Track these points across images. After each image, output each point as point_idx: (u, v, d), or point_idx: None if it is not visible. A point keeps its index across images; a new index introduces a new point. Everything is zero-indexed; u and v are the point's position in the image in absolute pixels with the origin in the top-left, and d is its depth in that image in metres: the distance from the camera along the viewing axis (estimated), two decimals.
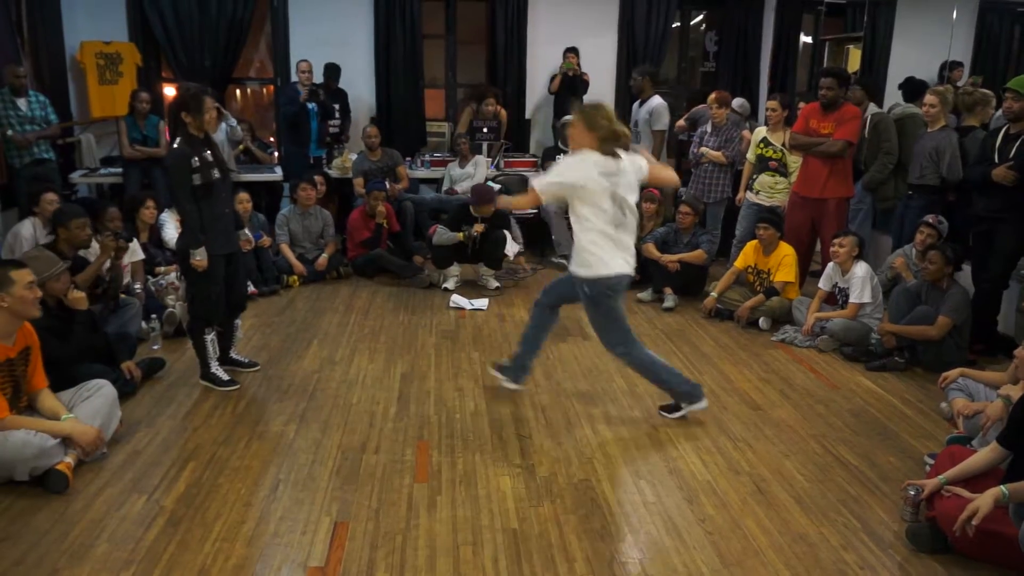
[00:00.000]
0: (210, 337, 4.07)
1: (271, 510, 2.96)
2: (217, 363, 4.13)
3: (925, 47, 7.94)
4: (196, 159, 3.78)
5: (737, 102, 6.79)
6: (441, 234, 5.91)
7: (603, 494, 3.14)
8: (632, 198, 3.60)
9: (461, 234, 5.88)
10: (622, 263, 3.59)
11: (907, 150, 5.69)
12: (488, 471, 3.29)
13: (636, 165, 3.63)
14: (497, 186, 6.76)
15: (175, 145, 3.82)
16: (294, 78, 7.07)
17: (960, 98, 5.53)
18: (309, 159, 7.12)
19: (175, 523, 2.86)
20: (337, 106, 7.19)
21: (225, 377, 4.11)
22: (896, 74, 7.84)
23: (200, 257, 3.83)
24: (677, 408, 3.85)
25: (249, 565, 2.64)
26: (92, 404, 3.35)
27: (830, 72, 5.32)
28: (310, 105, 6.93)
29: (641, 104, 6.85)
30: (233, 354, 4.34)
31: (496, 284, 6.05)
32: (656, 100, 6.78)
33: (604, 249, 3.55)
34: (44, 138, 5.99)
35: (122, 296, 4.56)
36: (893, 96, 7.51)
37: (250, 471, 3.25)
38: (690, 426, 3.78)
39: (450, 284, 6.03)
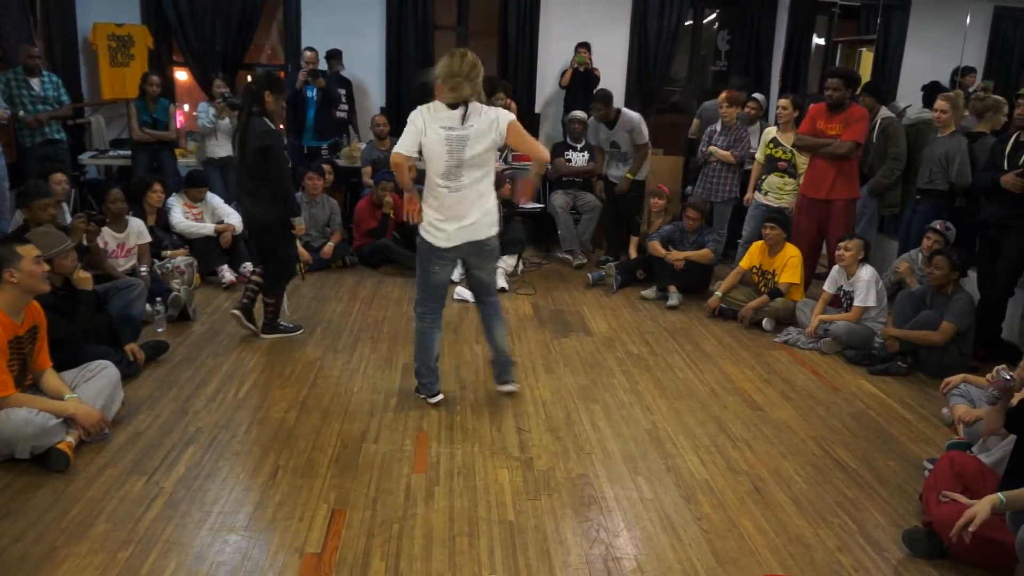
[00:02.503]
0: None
1: (269, 495, 2.98)
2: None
3: (938, 52, 7.89)
4: None
5: (758, 96, 6.75)
6: None
7: (600, 489, 3.15)
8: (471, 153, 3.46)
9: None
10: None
11: (917, 155, 5.67)
12: (486, 463, 3.30)
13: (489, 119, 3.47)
14: (507, 168, 6.74)
15: (267, 127, 4.15)
16: (303, 67, 7.03)
17: (972, 104, 5.51)
18: (302, 149, 7.02)
19: (174, 505, 2.88)
20: (343, 91, 7.17)
21: (291, 324, 4.72)
22: (908, 78, 7.80)
23: (301, 224, 4.28)
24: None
25: (246, 549, 2.65)
26: (95, 385, 3.37)
27: (837, 73, 5.30)
28: (308, 91, 6.86)
29: (611, 125, 6.38)
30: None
31: (503, 285, 5.97)
32: (632, 113, 6.40)
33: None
34: (56, 118, 6.01)
35: (127, 278, 4.58)
36: (902, 98, 7.48)
37: (250, 456, 3.27)
38: (689, 424, 3.78)
39: (455, 276, 6.01)
